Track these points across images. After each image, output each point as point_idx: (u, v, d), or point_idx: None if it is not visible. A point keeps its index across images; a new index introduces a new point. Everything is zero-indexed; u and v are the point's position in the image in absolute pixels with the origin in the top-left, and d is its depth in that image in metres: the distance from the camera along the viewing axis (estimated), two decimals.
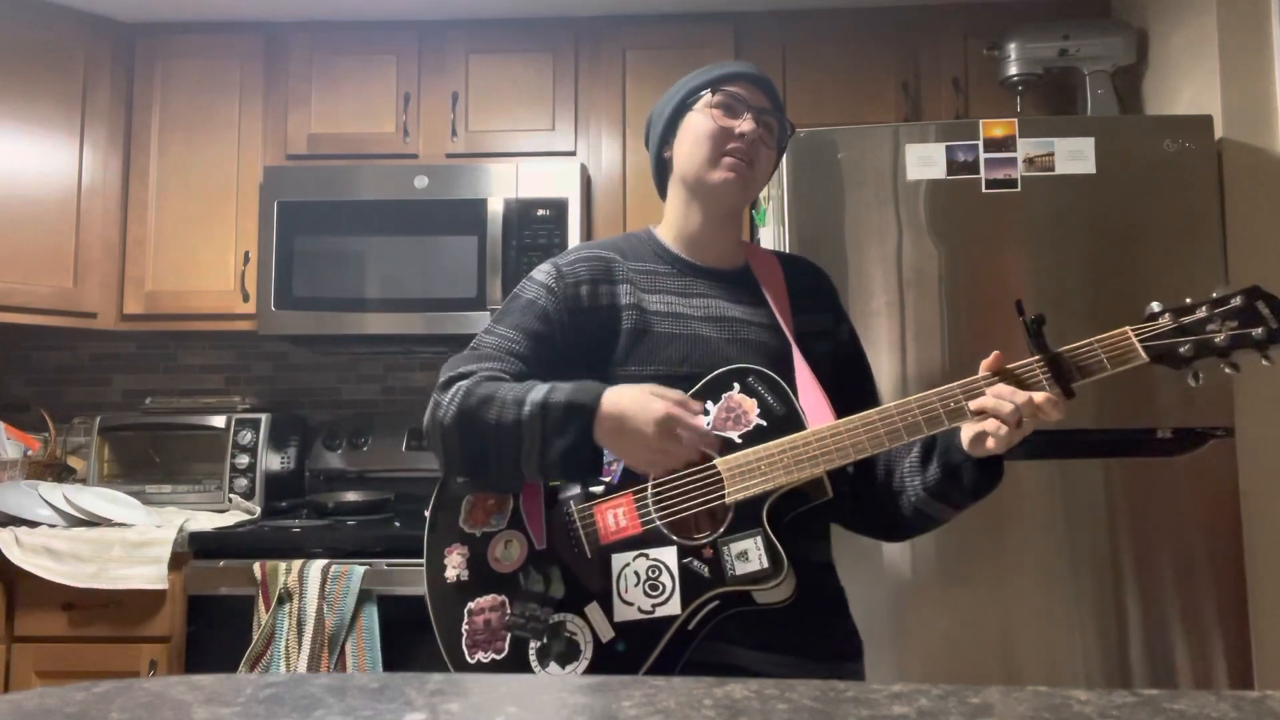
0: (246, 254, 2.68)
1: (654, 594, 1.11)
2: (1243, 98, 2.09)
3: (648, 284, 1.26)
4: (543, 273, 1.27)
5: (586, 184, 2.67)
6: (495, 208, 2.55)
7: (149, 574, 2.19)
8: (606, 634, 1.11)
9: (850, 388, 1.28)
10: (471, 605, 1.16)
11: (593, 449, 1.09)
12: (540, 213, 2.54)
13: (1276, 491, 2.00)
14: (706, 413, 1.16)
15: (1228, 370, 1.07)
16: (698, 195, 1.28)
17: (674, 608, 1.10)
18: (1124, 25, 2.48)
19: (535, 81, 2.74)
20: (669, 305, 1.24)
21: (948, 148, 2.04)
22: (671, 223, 1.32)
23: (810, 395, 1.19)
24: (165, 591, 2.21)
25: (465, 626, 1.15)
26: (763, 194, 2.36)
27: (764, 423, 1.15)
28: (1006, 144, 2.03)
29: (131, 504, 2.46)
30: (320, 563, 2.16)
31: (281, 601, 2.13)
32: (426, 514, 1.22)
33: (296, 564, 2.16)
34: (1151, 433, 1.98)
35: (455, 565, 1.18)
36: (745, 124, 1.24)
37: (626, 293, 1.24)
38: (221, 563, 2.22)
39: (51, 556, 2.20)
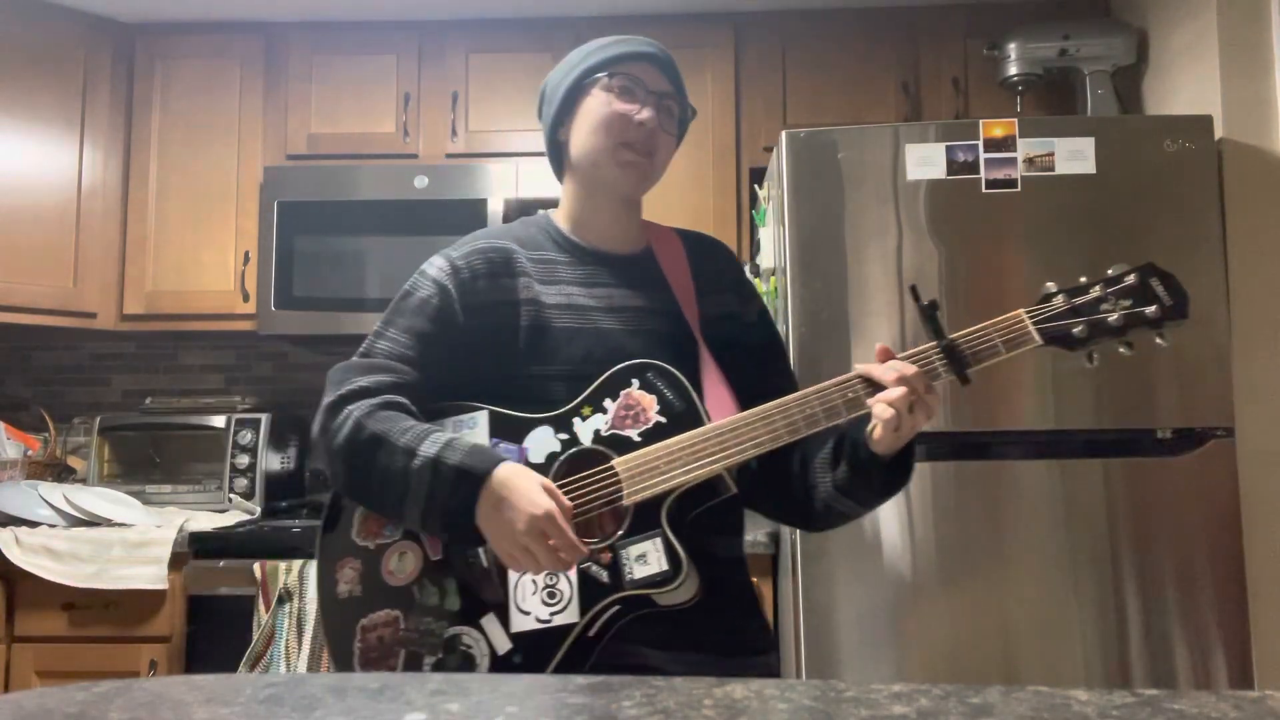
0: (246, 254, 2.68)
1: (552, 602, 1.07)
2: (1243, 98, 2.09)
3: (546, 275, 1.20)
4: (436, 268, 1.20)
5: None
6: (495, 207, 2.55)
7: (149, 574, 2.19)
8: (503, 646, 1.07)
9: (762, 371, 1.24)
10: (365, 621, 1.10)
11: (474, 518, 1.05)
12: (540, 212, 2.53)
13: (1276, 491, 2.00)
14: (605, 410, 1.12)
15: (1122, 350, 1.05)
16: (594, 183, 1.23)
17: (572, 615, 1.06)
18: (1124, 25, 2.48)
19: (535, 81, 2.71)
20: (569, 298, 1.18)
21: (948, 148, 2.04)
22: (568, 208, 1.27)
23: (714, 389, 1.15)
24: (165, 591, 2.21)
25: (358, 644, 1.09)
26: (763, 194, 2.36)
27: (663, 420, 1.11)
28: (1006, 144, 2.03)
29: (131, 504, 2.46)
30: None
31: (281, 601, 2.13)
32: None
33: (296, 564, 2.16)
34: (1151, 433, 1.97)
35: (347, 580, 1.12)
36: (644, 113, 1.18)
37: (524, 286, 1.18)
38: (221, 563, 2.22)
39: (51, 556, 2.20)
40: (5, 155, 2.57)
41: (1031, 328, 1.05)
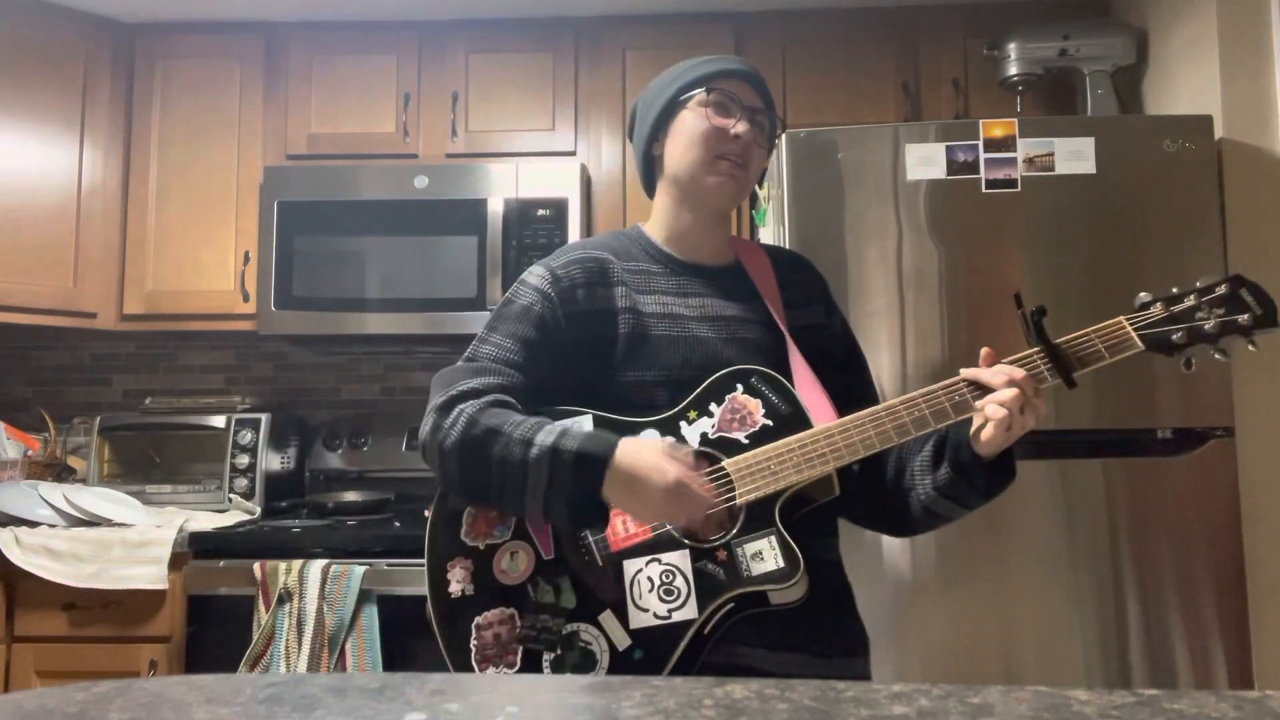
0: (246, 254, 2.68)
1: (669, 599, 1.10)
2: (1243, 98, 2.09)
3: (642, 285, 1.24)
4: (536, 276, 1.24)
5: (586, 184, 2.67)
6: (495, 208, 2.55)
7: (149, 574, 2.19)
8: (623, 642, 1.09)
9: (847, 380, 1.28)
10: (479, 620, 1.13)
11: (600, 502, 1.08)
12: (540, 213, 2.54)
13: (1276, 491, 2.00)
14: (710, 414, 1.16)
15: (1218, 356, 1.10)
16: (690, 196, 1.26)
17: (691, 612, 1.09)
18: (1124, 25, 2.48)
19: (535, 81, 2.74)
20: (665, 306, 1.23)
21: (948, 148, 2.04)
22: (661, 221, 1.30)
23: (810, 392, 1.18)
24: (165, 591, 2.21)
25: (474, 642, 1.13)
26: (763, 194, 2.36)
27: (770, 423, 1.15)
28: (1006, 144, 2.03)
29: (131, 504, 2.46)
30: (320, 563, 2.16)
31: (281, 601, 2.13)
32: (427, 523, 1.21)
33: (296, 564, 2.16)
34: (1151, 433, 1.97)
35: (459, 580, 1.15)
36: (740, 126, 1.22)
37: (622, 295, 1.22)
38: (221, 563, 2.22)
39: (51, 556, 2.20)
40: (5, 155, 2.57)
41: (1133, 333, 1.10)
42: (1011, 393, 1.07)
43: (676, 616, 1.09)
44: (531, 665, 1.10)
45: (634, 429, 1.15)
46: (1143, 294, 1.12)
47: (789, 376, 1.19)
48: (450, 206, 2.58)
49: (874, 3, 2.70)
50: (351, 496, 2.69)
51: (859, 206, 2.04)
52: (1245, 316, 1.09)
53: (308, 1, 2.71)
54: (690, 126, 1.24)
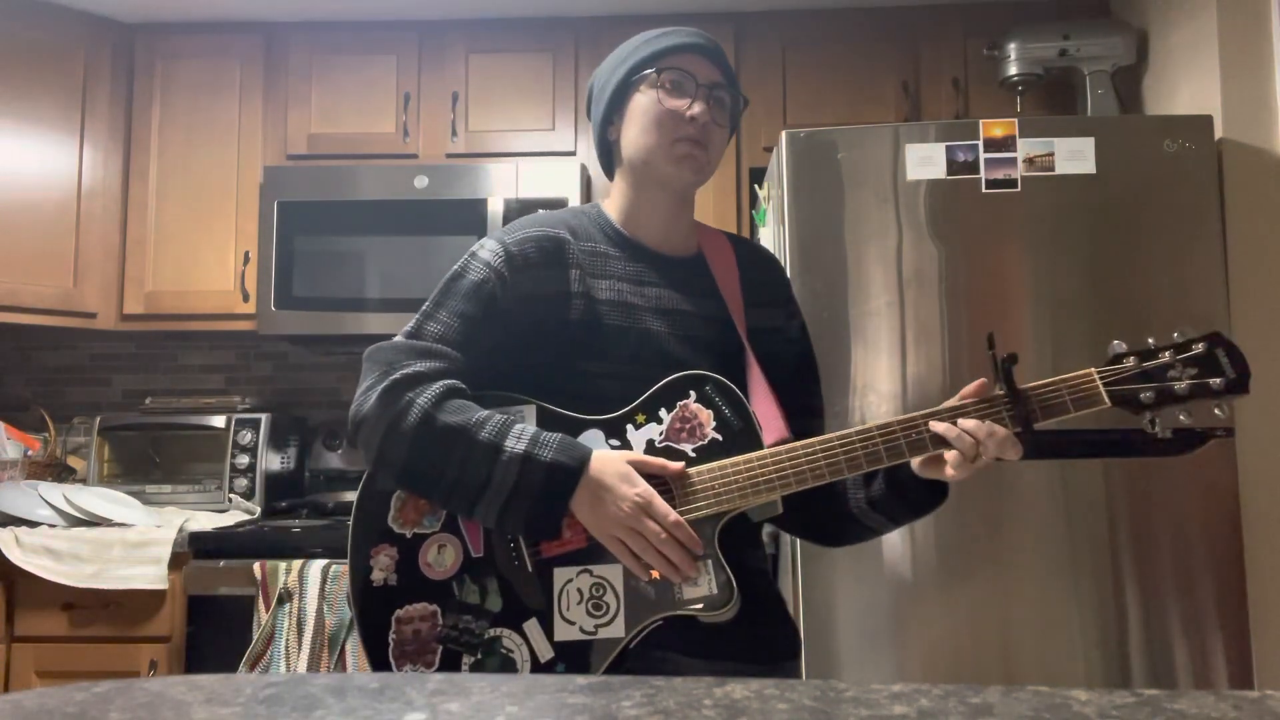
0: (246, 254, 2.68)
1: (597, 614, 1.05)
2: (1243, 98, 2.09)
3: (597, 268, 1.18)
4: (489, 251, 1.17)
5: (586, 184, 2.67)
6: (495, 207, 2.55)
7: (149, 574, 2.19)
8: (545, 654, 1.05)
9: (799, 389, 1.24)
10: (400, 613, 1.08)
11: (562, 513, 1.04)
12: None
13: (1276, 491, 2.00)
14: (660, 420, 1.11)
15: (1183, 419, 1.07)
16: (649, 181, 1.19)
17: (618, 630, 1.04)
18: (1124, 25, 2.48)
19: (535, 81, 2.74)
20: (619, 294, 1.17)
21: (948, 148, 2.04)
22: (620, 205, 1.23)
23: (764, 403, 1.14)
24: (165, 591, 2.21)
25: (393, 635, 1.08)
26: (763, 194, 2.36)
27: (720, 437, 1.09)
28: (1006, 144, 2.03)
29: (131, 504, 2.46)
30: (320, 563, 2.16)
31: (281, 601, 2.13)
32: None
33: (296, 564, 2.16)
34: (1152, 433, 1.97)
35: (383, 567, 1.10)
36: (696, 107, 1.15)
37: (576, 278, 1.16)
38: (221, 563, 2.22)
39: (51, 556, 2.20)
40: (5, 155, 2.57)
41: (1102, 389, 1.07)
42: (968, 444, 1.04)
43: (603, 634, 1.04)
44: (450, 666, 1.06)
45: (579, 427, 1.11)
46: (1116, 343, 1.09)
47: (743, 380, 1.15)
48: (450, 206, 2.58)
49: (874, 3, 2.70)
50: (351, 496, 2.68)
51: (859, 206, 2.04)
52: (1218, 381, 1.04)
53: (308, 1, 2.71)
54: (644, 110, 1.17)
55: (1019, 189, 2.02)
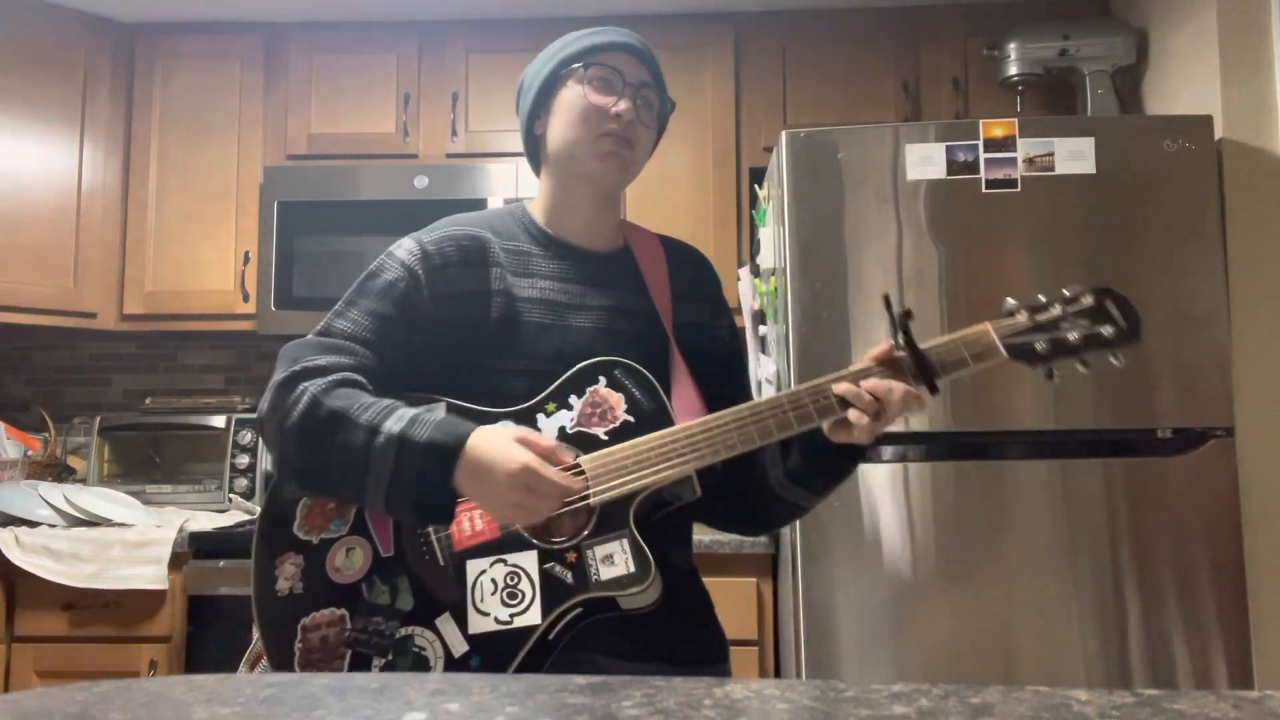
0: (246, 254, 2.68)
1: (512, 603, 1.03)
2: (1243, 98, 2.09)
3: (519, 267, 1.16)
4: (405, 250, 1.15)
5: None
6: (495, 207, 2.55)
7: (149, 574, 2.19)
8: (459, 648, 1.02)
9: (725, 385, 1.23)
10: (306, 621, 1.05)
11: (449, 495, 1.01)
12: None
13: (1276, 491, 2.00)
14: (570, 407, 1.09)
15: (1080, 369, 1.08)
16: (573, 177, 1.19)
17: (534, 617, 1.02)
18: (1124, 25, 2.48)
19: None
20: (541, 292, 1.15)
21: (948, 148, 2.04)
22: (545, 202, 1.23)
23: (684, 392, 1.13)
24: (165, 591, 2.21)
25: (299, 644, 1.05)
26: (763, 194, 2.36)
27: (631, 419, 1.09)
28: (1006, 144, 2.03)
29: (131, 504, 2.46)
30: None
31: None
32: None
33: None
34: (1151, 433, 1.98)
35: (288, 576, 1.07)
36: (622, 104, 1.14)
37: (496, 277, 1.15)
38: (221, 563, 2.22)
39: (51, 556, 2.20)
40: (5, 155, 2.57)
41: (998, 341, 1.07)
42: (868, 402, 1.04)
43: (518, 622, 1.02)
44: (360, 670, 1.03)
45: (489, 419, 1.08)
46: (1010, 300, 1.10)
47: (665, 372, 1.14)
48: (450, 206, 2.57)
49: (874, 3, 2.70)
50: None
51: (859, 206, 2.04)
52: (1110, 330, 1.06)
53: (308, 1, 2.71)
54: (570, 104, 1.16)
55: (1019, 189, 2.02)
